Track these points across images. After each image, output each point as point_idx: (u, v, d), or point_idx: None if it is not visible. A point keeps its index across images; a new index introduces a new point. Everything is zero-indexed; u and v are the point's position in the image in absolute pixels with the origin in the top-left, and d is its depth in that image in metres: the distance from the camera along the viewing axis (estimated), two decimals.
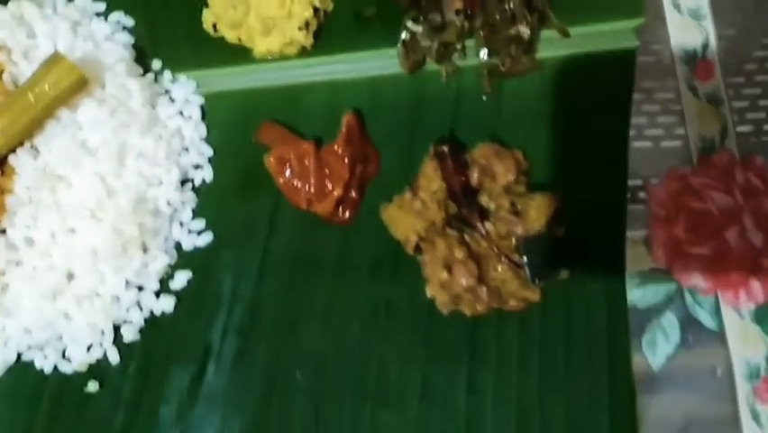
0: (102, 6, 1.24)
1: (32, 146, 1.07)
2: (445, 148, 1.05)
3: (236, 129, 1.18)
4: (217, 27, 1.21)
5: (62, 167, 1.06)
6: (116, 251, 1.05)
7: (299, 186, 1.11)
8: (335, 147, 1.11)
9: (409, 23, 1.15)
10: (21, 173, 1.05)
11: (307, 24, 1.17)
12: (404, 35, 1.15)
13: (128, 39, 1.21)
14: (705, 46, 1.18)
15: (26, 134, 1.04)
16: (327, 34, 1.21)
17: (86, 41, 1.16)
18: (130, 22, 1.23)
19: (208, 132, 1.18)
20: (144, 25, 1.23)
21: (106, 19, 1.23)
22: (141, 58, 1.21)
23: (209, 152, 1.17)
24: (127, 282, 1.07)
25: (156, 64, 1.21)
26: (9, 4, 1.24)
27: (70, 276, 1.05)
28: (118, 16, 1.23)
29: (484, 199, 1.05)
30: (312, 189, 1.10)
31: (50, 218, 1.04)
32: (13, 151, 1.07)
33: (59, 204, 1.05)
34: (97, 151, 1.07)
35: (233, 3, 1.16)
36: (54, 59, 1.05)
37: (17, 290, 1.04)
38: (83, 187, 1.05)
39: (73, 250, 1.05)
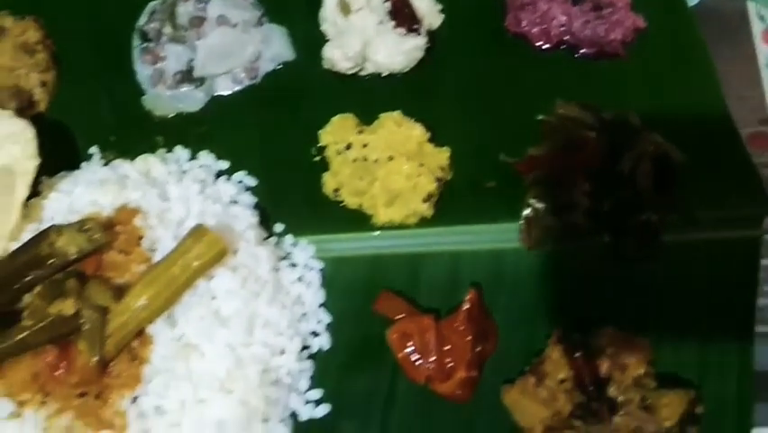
0: (226, 165, 1.30)
1: (169, 316, 1.09)
2: (576, 336, 1.05)
3: (354, 296, 1.19)
4: (339, 193, 1.25)
5: (196, 337, 1.07)
6: (242, 423, 1.05)
7: (420, 361, 1.12)
8: (457, 324, 1.12)
9: (532, 200, 1.19)
10: (158, 343, 1.07)
11: (430, 196, 1.21)
12: (527, 211, 1.19)
13: (251, 200, 1.25)
14: None
15: (168, 305, 1.07)
16: (447, 204, 1.23)
17: (215, 202, 1.20)
18: (252, 182, 1.28)
19: (326, 297, 1.20)
20: (266, 186, 1.27)
21: (229, 177, 1.28)
22: (264, 220, 1.24)
23: (327, 318, 1.19)
24: None
25: (278, 227, 1.24)
26: (137, 160, 1.32)
27: None
28: (241, 176, 1.28)
29: (612, 391, 1.05)
30: (432, 366, 1.12)
31: (182, 388, 1.05)
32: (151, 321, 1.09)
33: (191, 373, 1.06)
34: (230, 320, 1.09)
35: (360, 173, 1.21)
36: (199, 232, 1.08)
37: None
38: (215, 357, 1.07)
39: (201, 421, 1.05)
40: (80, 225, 1.08)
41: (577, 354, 1.03)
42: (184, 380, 1.06)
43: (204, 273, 1.09)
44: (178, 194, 1.20)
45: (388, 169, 1.19)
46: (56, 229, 1.07)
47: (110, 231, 1.11)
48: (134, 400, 1.06)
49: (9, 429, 1.05)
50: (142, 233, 1.13)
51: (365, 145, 1.22)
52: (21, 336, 0.99)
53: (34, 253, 1.04)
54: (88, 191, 1.19)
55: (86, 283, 1.04)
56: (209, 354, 1.07)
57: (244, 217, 1.19)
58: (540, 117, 1.25)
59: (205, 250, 1.07)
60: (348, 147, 1.23)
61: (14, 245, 1.13)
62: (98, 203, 1.18)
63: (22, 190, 1.17)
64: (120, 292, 1.06)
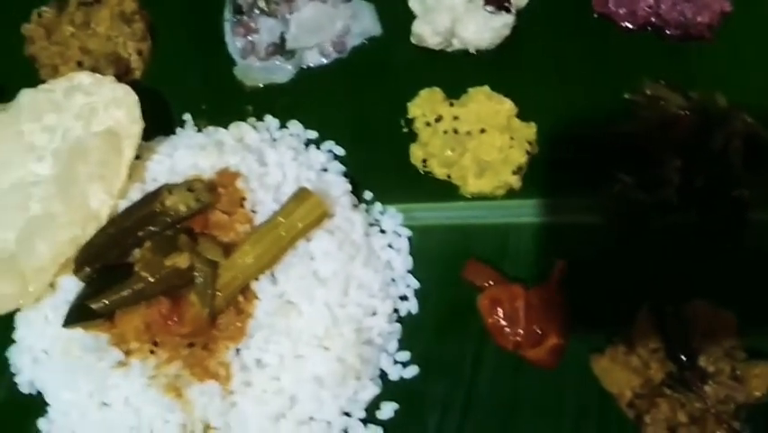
0: (314, 134, 1.34)
1: (271, 274, 1.13)
2: (669, 308, 1.08)
3: (441, 264, 1.23)
4: (427, 163, 1.28)
5: (296, 295, 1.12)
6: (338, 380, 1.10)
7: (508, 327, 1.16)
8: (546, 292, 1.15)
9: (621, 175, 1.20)
10: (262, 299, 1.11)
11: (519, 169, 1.24)
12: (615, 185, 1.21)
13: (341, 168, 1.29)
14: None
15: (273, 264, 1.11)
16: (534, 177, 1.26)
17: (309, 169, 1.25)
18: (341, 151, 1.32)
19: (414, 264, 1.24)
20: (354, 155, 1.31)
21: (318, 147, 1.32)
22: (354, 188, 1.27)
23: (415, 284, 1.22)
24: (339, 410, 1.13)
25: (367, 195, 1.28)
26: (230, 126, 1.36)
27: (293, 401, 1.10)
28: (330, 145, 1.33)
29: (703, 361, 1.07)
30: (521, 332, 1.15)
31: (282, 343, 1.10)
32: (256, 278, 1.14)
33: (291, 330, 1.11)
34: (327, 281, 1.13)
35: (450, 145, 1.24)
36: (303, 195, 1.13)
37: (245, 411, 1.09)
38: (313, 315, 1.11)
39: (300, 376, 1.09)
40: (188, 186, 1.13)
41: (669, 325, 1.07)
42: (284, 335, 1.11)
43: (305, 234, 1.14)
44: (274, 159, 1.24)
45: (479, 141, 1.22)
46: (167, 188, 1.12)
47: (214, 192, 1.16)
48: (237, 352, 1.11)
49: (115, 377, 1.11)
50: (244, 195, 1.17)
51: (456, 118, 1.25)
52: (137, 286, 1.05)
53: (148, 210, 1.10)
54: (189, 154, 1.24)
55: (196, 240, 1.10)
56: (308, 311, 1.12)
57: (338, 184, 1.23)
58: (627, 96, 1.29)
59: (308, 212, 1.12)
60: (438, 119, 1.26)
61: (122, 203, 1.19)
62: (198, 166, 1.23)
63: (129, 152, 1.22)
64: (227, 250, 1.11)
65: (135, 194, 1.20)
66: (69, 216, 1.16)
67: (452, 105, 1.26)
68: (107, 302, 1.05)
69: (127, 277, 1.09)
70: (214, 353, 1.08)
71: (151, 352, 1.08)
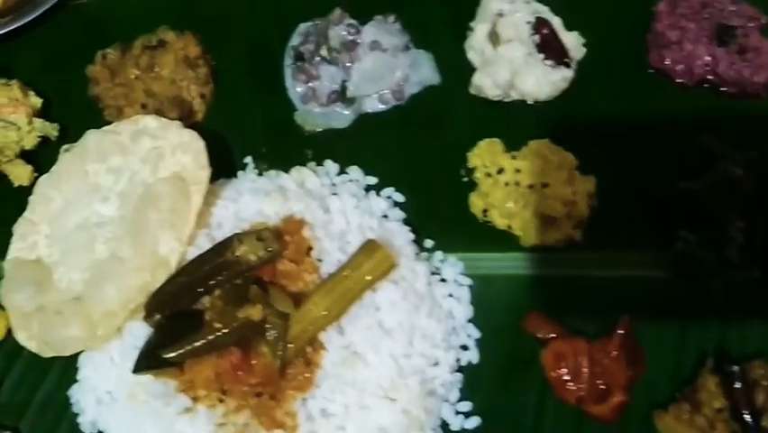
0: (373, 180, 1.35)
1: (339, 325, 1.15)
2: (735, 368, 1.09)
3: (501, 313, 1.24)
4: (487, 213, 1.30)
5: (362, 346, 1.13)
6: (402, 431, 1.11)
7: (572, 382, 1.16)
8: (610, 348, 1.16)
9: (683, 232, 1.22)
10: (329, 350, 1.13)
11: (581, 222, 1.26)
12: (676, 243, 1.22)
13: (401, 215, 1.30)
14: None
15: (341, 316, 1.13)
16: (595, 230, 1.27)
17: (371, 217, 1.27)
18: (400, 198, 1.34)
19: (474, 313, 1.25)
20: (413, 202, 1.32)
21: (378, 193, 1.34)
22: (415, 236, 1.28)
23: (476, 333, 1.23)
24: None
25: (428, 243, 1.29)
26: (291, 171, 1.38)
27: None
28: (389, 192, 1.34)
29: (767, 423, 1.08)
30: (584, 387, 1.16)
31: (348, 394, 1.11)
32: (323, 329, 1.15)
33: (356, 381, 1.12)
34: (393, 331, 1.14)
35: (513, 196, 1.25)
36: (371, 247, 1.15)
37: None
38: (379, 366, 1.12)
39: (365, 426, 1.10)
40: (257, 235, 1.15)
41: (735, 385, 1.08)
42: (350, 386, 1.12)
43: (372, 286, 1.15)
44: (337, 207, 1.26)
45: (542, 194, 1.23)
46: (238, 237, 1.14)
47: (281, 240, 1.18)
48: (303, 402, 1.12)
49: (182, 423, 1.12)
50: (311, 243, 1.19)
51: (518, 171, 1.27)
52: (210, 337, 1.07)
53: (219, 259, 1.11)
54: (255, 201, 1.26)
55: (267, 290, 1.11)
56: (374, 362, 1.13)
57: (401, 233, 1.25)
58: (684, 150, 1.31)
59: (377, 265, 1.13)
60: (500, 171, 1.29)
61: (190, 249, 1.20)
62: (264, 212, 1.25)
63: (198, 199, 1.23)
64: (295, 299, 1.12)
65: (202, 240, 1.22)
66: (138, 261, 1.18)
67: (514, 157, 1.29)
68: (181, 352, 1.06)
69: (197, 325, 1.11)
70: (282, 402, 1.09)
71: (220, 400, 1.10)
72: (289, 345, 1.08)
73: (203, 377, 1.08)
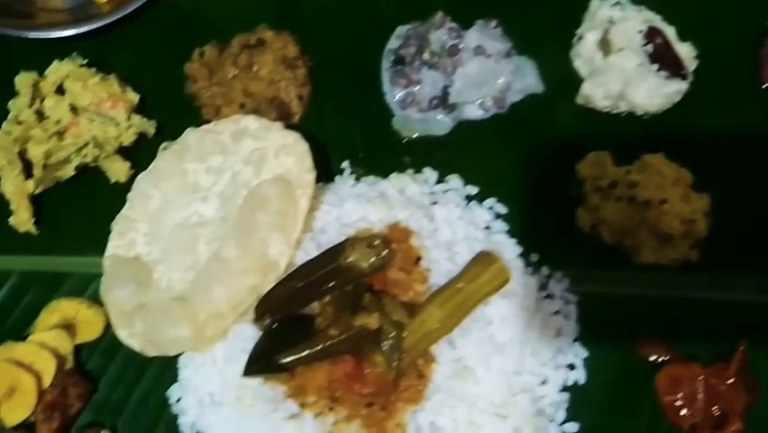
0: (474, 190, 1.32)
1: (450, 338, 1.12)
2: None
3: (610, 333, 1.20)
4: (596, 228, 1.26)
5: (474, 360, 1.11)
6: None
7: (686, 408, 1.13)
8: (727, 374, 1.12)
9: None
10: (441, 363, 1.11)
11: (698, 242, 1.22)
12: None
13: (504, 227, 1.27)
14: None
15: (453, 329, 1.10)
16: (710, 251, 1.22)
17: (476, 228, 1.24)
18: (503, 209, 1.30)
19: (581, 332, 1.22)
20: (516, 215, 1.29)
21: (479, 203, 1.30)
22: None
23: (583, 353, 1.20)
24: None
25: (533, 257, 1.26)
26: (391, 177, 1.36)
27: None
28: (491, 202, 1.31)
29: None
30: (699, 414, 1.12)
31: (458, 409, 1.08)
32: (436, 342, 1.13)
33: (467, 395, 1.10)
34: (504, 347, 1.12)
35: (627, 212, 1.21)
36: (487, 259, 1.12)
37: None
38: (490, 382, 1.10)
39: None
40: (368, 241, 1.14)
41: None
42: (460, 400, 1.10)
43: (486, 300, 1.13)
44: (442, 216, 1.23)
45: (659, 211, 1.20)
46: (350, 243, 1.13)
47: (389, 248, 1.17)
48: (413, 414, 1.09)
49: (288, 429, 1.10)
50: (419, 253, 1.17)
51: (632, 186, 1.23)
52: (327, 343, 1.05)
53: (332, 264, 1.10)
54: (358, 207, 1.24)
55: (380, 299, 1.10)
56: (484, 378, 1.11)
57: (508, 245, 1.22)
58: None
59: (493, 278, 1.11)
60: (612, 185, 1.25)
61: (297, 254, 1.19)
62: (368, 219, 1.23)
63: (305, 203, 1.22)
64: (406, 310, 1.11)
65: (307, 244, 1.21)
66: (246, 263, 1.17)
67: (629, 172, 1.25)
68: (297, 357, 1.05)
69: (307, 330, 1.09)
70: (393, 414, 1.07)
71: (330, 408, 1.08)
72: (404, 356, 1.07)
73: (315, 384, 1.07)
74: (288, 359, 1.05)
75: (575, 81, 1.38)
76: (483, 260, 1.13)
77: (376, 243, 1.13)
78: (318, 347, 1.05)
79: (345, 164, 1.37)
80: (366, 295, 1.09)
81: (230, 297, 1.15)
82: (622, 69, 1.32)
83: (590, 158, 1.29)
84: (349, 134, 1.42)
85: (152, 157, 1.38)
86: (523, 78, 1.40)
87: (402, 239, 1.18)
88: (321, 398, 1.08)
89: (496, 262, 1.12)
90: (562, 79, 1.39)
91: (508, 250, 1.21)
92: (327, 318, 1.08)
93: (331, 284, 1.11)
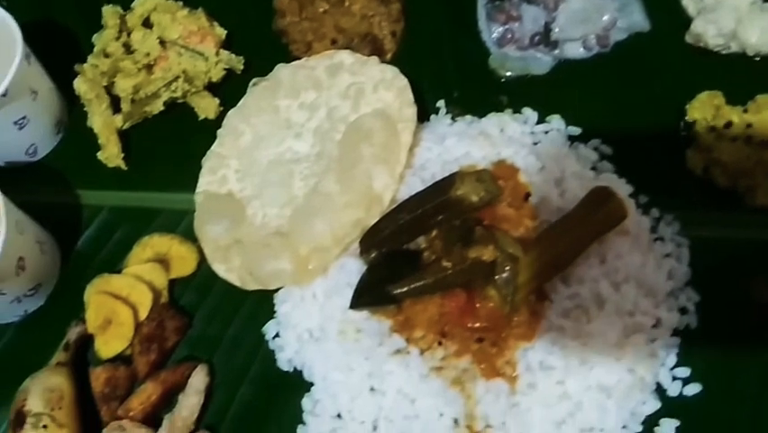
0: (577, 130, 1.27)
1: (563, 275, 1.09)
2: None
3: (722, 277, 1.15)
4: (708, 170, 1.21)
5: (587, 299, 1.07)
6: (625, 391, 1.04)
7: None
8: None
9: None
10: (554, 300, 1.08)
11: None
12: None
13: (610, 168, 1.23)
14: None
15: (569, 264, 1.06)
16: None
17: (584, 168, 1.20)
18: (608, 150, 1.25)
19: (692, 276, 1.17)
20: (623, 156, 1.23)
21: (584, 144, 1.25)
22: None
23: (696, 297, 1.15)
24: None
25: (642, 199, 1.20)
26: (490, 116, 1.30)
27: (578, 407, 1.04)
28: (596, 143, 1.26)
29: None
30: None
31: (570, 348, 1.05)
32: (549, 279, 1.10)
33: (579, 335, 1.06)
34: (619, 287, 1.07)
35: (743, 153, 1.16)
36: (604, 193, 1.08)
37: (527, 412, 1.04)
38: (604, 322, 1.06)
39: (586, 383, 1.04)
40: (477, 176, 1.10)
41: None
42: (572, 340, 1.06)
43: (601, 237, 1.09)
44: (548, 153, 1.20)
45: None
46: (460, 176, 1.09)
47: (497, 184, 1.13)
48: (523, 352, 1.07)
49: (393, 364, 1.08)
50: (528, 189, 1.13)
51: (749, 126, 1.18)
52: (440, 275, 1.03)
53: (441, 198, 1.07)
54: (461, 144, 1.20)
55: (492, 233, 1.07)
56: (598, 317, 1.07)
57: (619, 185, 1.17)
58: None
59: (610, 214, 1.07)
60: (727, 125, 1.20)
61: (401, 188, 1.17)
62: (471, 156, 1.19)
63: (407, 137, 1.19)
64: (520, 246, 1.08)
65: (411, 179, 1.18)
66: (349, 196, 1.14)
67: (745, 111, 1.20)
68: (409, 288, 1.03)
69: (415, 263, 1.07)
70: (504, 351, 1.05)
71: (439, 343, 1.06)
72: (518, 291, 1.04)
73: (425, 317, 1.04)
74: (401, 290, 1.03)
75: (680, 20, 1.32)
76: (600, 194, 1.08)
77: (485, 177, 1.09)
78: (431, 279, 1.03)
79: (440, 103, 1.33)
80: (478, 228, 1.05)
81: (333, 231, 1.13)
82: (734, 6, 1.26)
83: (702, 98, 1.23)
84: (443, 73, 1.38)
85: (240, 94, 1.36)
86: (629, 16, 1.33)
87: (509, 176, 1.14)
88: (429, 333, 1.05)
89: (613, 196, 1.08)
90: (669, 17, 1.33)
91: (620, 189, 1.16)
92: (436, 252, 1.05)
93: (439, 218, 1.08)
